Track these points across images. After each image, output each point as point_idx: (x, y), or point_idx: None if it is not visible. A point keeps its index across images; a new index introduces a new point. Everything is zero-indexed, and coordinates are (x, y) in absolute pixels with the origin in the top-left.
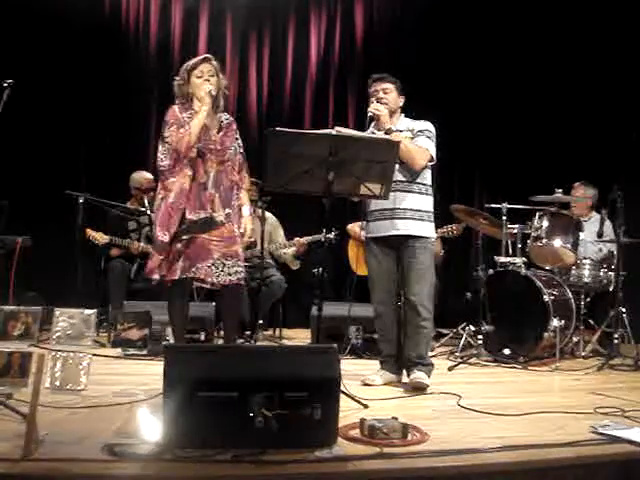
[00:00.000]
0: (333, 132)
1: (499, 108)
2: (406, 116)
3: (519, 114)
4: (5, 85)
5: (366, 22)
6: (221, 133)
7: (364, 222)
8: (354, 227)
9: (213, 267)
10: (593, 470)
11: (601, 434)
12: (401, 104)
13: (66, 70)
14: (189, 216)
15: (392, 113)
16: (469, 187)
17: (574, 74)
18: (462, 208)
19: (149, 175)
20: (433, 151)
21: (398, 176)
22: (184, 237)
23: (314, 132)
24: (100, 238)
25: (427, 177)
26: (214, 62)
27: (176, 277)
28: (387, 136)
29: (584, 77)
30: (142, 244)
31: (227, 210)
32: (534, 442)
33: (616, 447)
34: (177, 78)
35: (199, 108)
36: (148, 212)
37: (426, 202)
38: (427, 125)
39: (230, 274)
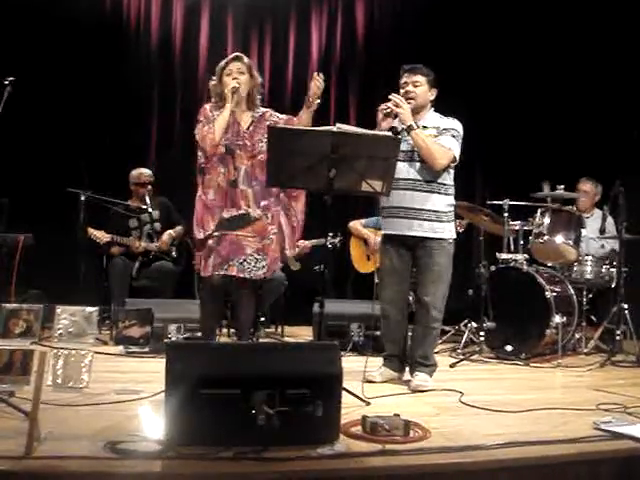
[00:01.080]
0: (334, 129)
1: (500, 104)
2: (435, 110)
3: (520, 111)
4: (6, 83)
5: (367, 19)
6: (251, 128)
7: (381, 219)
8: (355, 225)
9: (245, 263)
10: (595, 466)
11: (603, 430)
12: (432, 98)
13: (67, 67)
14: (222, 214)
15: (421, 108)
16: (471, 184)
17: (576, 71)
18: (464, 205)
19: (146, 170)
20: (457, 151)
21: (418, 175)
22: (215, 234)
23: (315, 129)
24: (101, 236)
25: (448, 177)
26: (246, 60)
27: (208, 274)
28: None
29: (586, 74)
30: (143, 242)
31: (263, 202)
32: (536, 439)
33: (618, 443)
34: (213, 78)
35: (236, 109)
36: (149, 210)
37: (445, 202)
38: (454, 124)
39: (259, 268)
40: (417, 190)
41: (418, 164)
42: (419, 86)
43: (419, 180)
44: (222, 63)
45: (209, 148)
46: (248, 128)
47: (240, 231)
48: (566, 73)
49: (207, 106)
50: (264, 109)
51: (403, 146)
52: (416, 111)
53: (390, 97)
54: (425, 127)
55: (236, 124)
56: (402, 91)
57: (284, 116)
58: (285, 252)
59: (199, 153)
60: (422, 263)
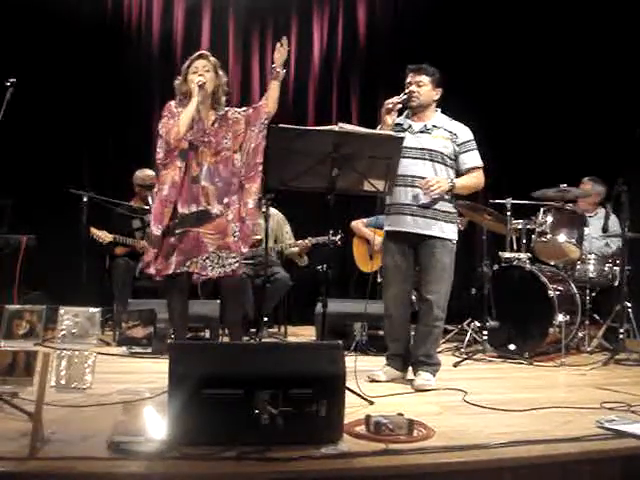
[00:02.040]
0: (336, 128)
1: (503, 103)
2: (442, 112)
3: (523, 110)
4: (8, 84)
5: (368, 19)
6: (216, 125)
7: (385, 217)
8: (358, 224)
9: (208, 260)
10: (599, 465)
11: (607, 429)
12: (436, 98)
13: (69, 68)
14: (181, 210)
15: (425, 107)
16: None
17: (578, 69)
18: (466, 204)
19: (151, 172)
20: (480, 162)
21: (428, 174)
22: (177, 231)
23: (317, 128)
24: (104, 236)
25: (453, 177)
26: (211, 58)
27: (170, 271)
28: (392, 133)
29: (589, 72)
30: (146, 243)
31: (225, 200)
32: (540, 437)
33: (622, 442)
34: (178, 78)
35: (201, 107)
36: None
37: (452, 203)
38: (469, 134)
39: (224, 266)
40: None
41: (429, 163)
42: (422, 86)
43: (426, 178)
44: (187, 62)
45: (173, 141)
46: (213, 125)
47: (201, 228)
48: (569, 72)
49: (172, 103)
50: (227, 108)
51: (414, 144)
52: (420, 110)
53: (386, 102)
54: (435, 127)
55: (201, 121)
56: (406, 90)
57: (244, 108)
58: (240, 249)
59: (157, 149)
60: (426, 261)
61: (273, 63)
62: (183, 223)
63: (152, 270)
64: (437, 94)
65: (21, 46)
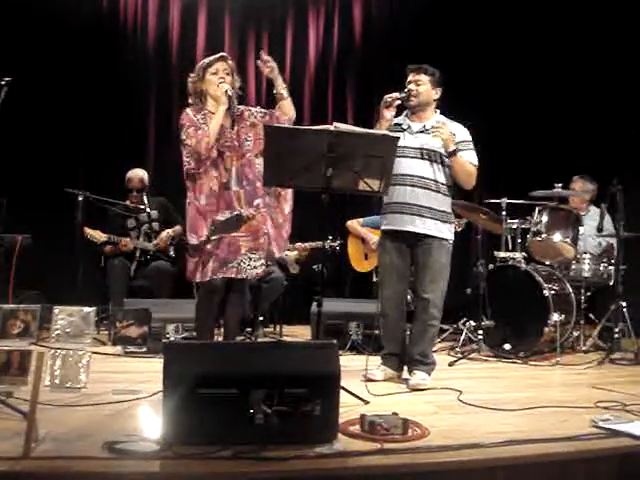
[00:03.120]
0: (331, 128)
1: (498, 103)
2: (441, 113)
3: (519, 109)
4: (2, 83)
5: (364, 19)
6: (235, 127)
7: (382, 216)
8: (353, 223)
9: (242, 263)
10: (594, 464)
11: (602, 428)
12: (436, 97)
13: (64, 67)
14: (216, 217)
15: (425, 106)
16: None
17: (574, 69)
18: (462, 203)
19: (136, 175)
20: (477, 163)
21: (425, 173)
22: (213, 238)
23: (312, 128)
24: (98, 236)
25: (451, 179)
26: (230, 61)
27: (207, 279)
28: (387, 132)
29: (584, 72)
30: (140, 241)
31: (255, 202)
32: (535, 437)
33: (617, 441)
34: (192, 75)
35: (215, 108)
36: (147, 210)
37: (447, 203)
38: (467, 134)
39: (255, 267)
40: (424, 188)
41: (427, 162)
42: (422, 85)
43: (426, 178)
44: (206, 61)
45: (204, 152)
46: (232, 128)
47: (235, 232)
48: (564, 72)
49: (188, 111)
50: (241, 107)
51: (413, 143)
52: (419, 110)
53: (386, 96)
54: (434, 127)
55: (223, 127)
56: (405, 89)
57: (261, 112)
58: (273, 253)
59: (186, 159)
60: (422, 261)
61: (273, 88)
62: (219, 230)
63: (198, 278)
64: (437, 94)
65: (17, 45)
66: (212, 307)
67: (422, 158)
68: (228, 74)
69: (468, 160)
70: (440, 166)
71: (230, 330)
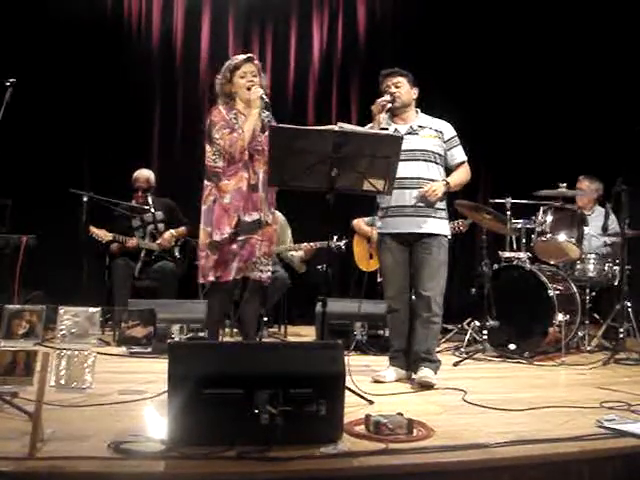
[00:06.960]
0: (336, 128)
1: (502, 103)
2: (439, 107)
3: (523, 109)
4: (7, 84)
5: (368, 18)
6: (266, 133)
7: (376, 217)
8: (359, 223)
9: (257, 264)
10: (599, 464)
11: (607, 428)
12: (415, 96)
13: (69, 68)
14: (243, 218)
15: (406, 106)
16: (473, 182)
17: (578, 68)
18: (466, 203)
19: (143, 175)
20: (465, 157)
21: (420, 174)
22: (240, 238)
23: (317, 128)
24: (103, 235)
25: (444, 174)
26: (257, 62)
27: (230, 278)
28: (391, 133)
29: (588, 71)
30: (143, 241)
31: (272, 209)
32: (540, 437)
33: (622, 441)
34: (219, 77)
35: (247, 112)
36: (152, 210)
37: (444, 200)
38: (453, 130)
39: (262, 271)
40: (420, 189)
41: (422, 163)
42: (401, 86)
43: (423, 179)
44: (233, 63)
45: (238, 155)
46: (262, 132)
47: (257, 235)
48: (568, 70)
49: (221, 109)
50: (268, 114)
51: (404, 146)
52: (402, 111)
53: (378, 100)
54: (421, 127)
55: (253, 130)
56: (386, 94)
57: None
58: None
59: (212, 156)
60: (421, 259)
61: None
62: (245, 231)
63: (212, 278)
64: (415, 93)
65: (21, 46)
66: (227, 306)
67: (415, 159)
68: (255, 76)
69: (458, 161)
70: (433, 164)
71: (250, 327)
